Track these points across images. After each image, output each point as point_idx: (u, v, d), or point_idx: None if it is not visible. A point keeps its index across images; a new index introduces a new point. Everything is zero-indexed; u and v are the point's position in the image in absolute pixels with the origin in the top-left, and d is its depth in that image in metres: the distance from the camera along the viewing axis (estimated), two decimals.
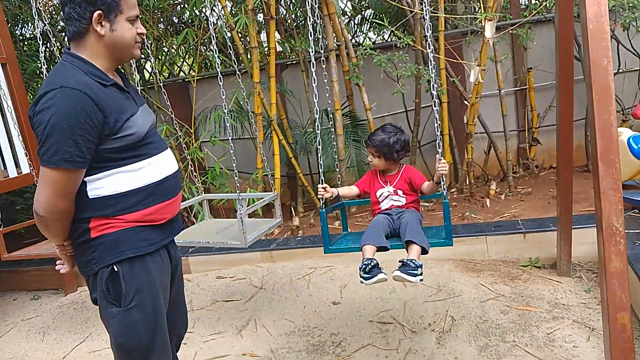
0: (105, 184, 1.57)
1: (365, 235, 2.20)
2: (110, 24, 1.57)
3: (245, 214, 2.50)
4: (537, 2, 5.18)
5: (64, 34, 5.84)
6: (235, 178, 2.60)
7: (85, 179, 1.56)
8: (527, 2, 5.29)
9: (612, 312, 1.68)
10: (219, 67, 2.53)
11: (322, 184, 2.30)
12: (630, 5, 3.93)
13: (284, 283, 3.54)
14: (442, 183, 2.12)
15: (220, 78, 2.54)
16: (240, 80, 2.87)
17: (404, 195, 2.33)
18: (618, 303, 1.67)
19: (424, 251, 2.09)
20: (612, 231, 1.67)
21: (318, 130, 2.41)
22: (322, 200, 2.29)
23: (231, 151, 2.62)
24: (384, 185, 2.36)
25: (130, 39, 1.62)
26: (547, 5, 4.51)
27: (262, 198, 2.93)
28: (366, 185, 2.43)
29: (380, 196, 2.36)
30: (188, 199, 3.13)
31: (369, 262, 2.05)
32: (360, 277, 2.07)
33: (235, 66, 2.88)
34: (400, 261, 2.06)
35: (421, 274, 2.01)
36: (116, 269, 1.60)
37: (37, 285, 4.25)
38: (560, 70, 2.54)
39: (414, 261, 2.02)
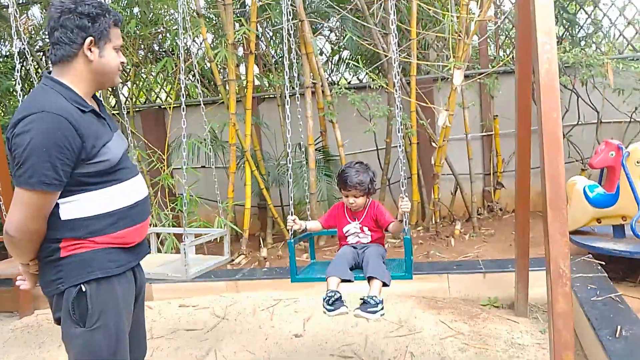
0: (78, 207, 1.61)
1: (331, 267, 2.26)
2: (100, 51, 1.64)
3: (190, 246, 2.50)
4: (504, 54, 5.49)
5: (41, 53, 5.85)
6: (184, 208, 2.59)
7: (58, 201, 1.59)
8: (495, 54, 5.60)
9: (558, 351, 1.76)
10: (183, 96, 2.57)
11: (292, 215, 2.37)
12: (587, 63, 4.21)
13: (248, 314, 3.52)
14: (404, 220, 2.21)
15: (183, 107, 2.59)
16: (204, 112, 2.92)
17: (370, 233, 2.39)
18: (563, 342, 1.75)
19: (385, 285, 2.17)
20: (559, 273, 1.76)
21: (289, 164, 2.48)
22: (291, 231, 2.36)
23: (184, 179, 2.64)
24: (350, 221, 2.41)
25: (115, 67, 1.70)
26: (513, 57, 4.79)
27: (210, 233, 2.92)
28: (331, 221, 2.49)
29: (346, 232, 2.42)
30: (156, 226, 3.13)
31: (333, 294, 2.14)
32: (324, 307, 2.16)
33: (201, 98, 2.94)
34: (361, 299, 2.14)
35: (381, 309, 2.11)
36: (84, 289, 1.61)
37: None
38: (518, 120, 2.71)
39: (374, 298, 2.11)
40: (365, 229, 2.39)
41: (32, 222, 1.55)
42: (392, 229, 2.36)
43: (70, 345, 1.65)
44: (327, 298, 2.14)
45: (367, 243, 2.39)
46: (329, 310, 2.13)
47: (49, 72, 1.68)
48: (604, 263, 3.31)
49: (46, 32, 1.90)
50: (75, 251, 1.61)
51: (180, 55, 2.69)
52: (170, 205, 4.79)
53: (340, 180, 2.39)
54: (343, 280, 2.21)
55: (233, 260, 4.67)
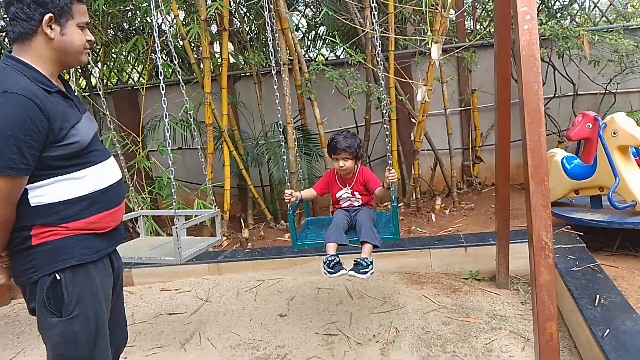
0: (48, 192, 1.54)
1: (328, 233, 2.52)
2: (61, 28, 1.55)
3: (181, 228, 2.44)
4: (481, 27, 5.47)
5: (3, 34, 5.59)
6: (172, 191, 2.54)
7: (27, 187, 1.52)
8: (472, 27, 5.56)
9: (541, 322, 1.77)
10: (162, 76, 2.49)
11: (288, 189, 2.61)
12: (564, 35, 4.22)
13: (231, 295, 3.49)
14: (392, 189, 2.49)
15: (162, 86, 2.50)
16: (184, 91, 2.84)
17: (360, 196, 2.67)
18: (547, 313, 1.77)
19: (376, 247, 2.47)
20: (542, 245, 1.77)
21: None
22: (290, 204, 2.61)
23: (170, 162, 2.57)
24: (342, 187, 2.67)
25: (80, 45, 1.61)
26: (490, 30, 4.77)
27: (201, 214, 2.87)
28: (324, 187, 2.74)
29: (339, 197, 2.68)
30: (133, 210, 3.04)
31: (333, 258, 2.43)
32: (325, 271, 2.43)
33: (180, 76, 2.86)
34: (354, 261, 2.44)
35: (371, 269, 2.41)
36: (58, 277, 1.55)
37: None
38: (498, 93, 2.69)
39: (365, 260, 2.41)
40: (356, 193, 2.66)
41: (0, 209, 1.47)
42: (378, 193, 2.61)
43: (47, 335, 1.61)
44: (328, 262, 2.41)
45: (359, 206, 2.67)
46: (330, 273, 2.40)
47: (9, 51, 1.58)
48: (582, 234, 3.37)
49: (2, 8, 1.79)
50: (47, 238, 1.55)
51: (154, 32, 2.57)
52: (147, 189, 4.69)
53: (330, 147, 2.64)
54: (340, 245, 2.48)
55: None
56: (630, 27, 4.67)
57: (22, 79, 1.50)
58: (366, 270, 2.39)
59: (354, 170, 2.65)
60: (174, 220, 2.45)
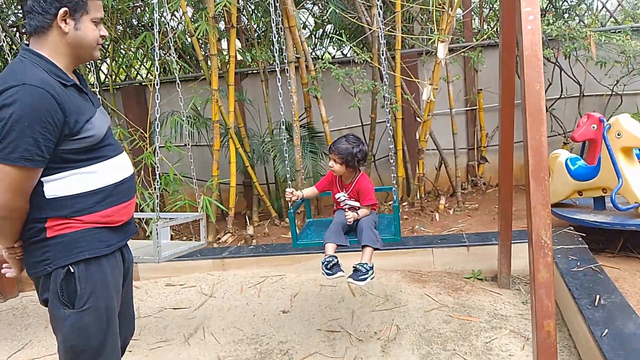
0: (63, 185, 1.57)
1: (328, 234, 2.48)
2: (75, 23, 1.57)
3: (162, 227, 2.47)
4: (488, 27, 5.46)
5: (14, 29, 5.66)
6: (157, 192, 2.55)
7: (42, 179, 1.54)
8: (479, 27, 5.56)
9: (539, 319, 1.79)
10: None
11: (289, 187, 2.58)
12: (570, 36, 4.21)
13: (235, 291, 3.53)
14: (394, 189, 2.49)
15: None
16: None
17: (358, 202, 2.59)
18: (545, 311, 1.78)
19: (377, 249, 2.43)
20: (541, 244, 1.79)
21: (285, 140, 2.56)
22: (291, 202, 2.57)
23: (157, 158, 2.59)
24: (340, 190, 2.63)
25: (93, 40, 1.63)
26: (497, 30, 4.76)
27: (185, 217, 2.90)
28: (326, 186, 2.70)
29: (338, 199, 2.64)
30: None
31: (331, 259, 2.38)
32: (323, 272, 2.40)
33: (176, 75, 2.86)
34: (353, 267, 2.38)
35: (371, 275, 2.37)
36: (72, 270, 1.58)
37: None
38: (502, 93, 2.70)
39: (365, 265, 2.36)
40: (353, 199, 2.59)
41: (13, 199, 1.50)
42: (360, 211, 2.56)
43: (59, 327, 1.63)
44: (326, 262, 2.37)
45: (359, 208, 2.59)
46: (328, 275, 2.36)
47: (27, 44, 1.61)
48: (584, 235, 3.37)
49: (18, 6, 1.82)
50: (62, 231, 1.58)
51: (158, 28, 2.60)
52: (154, 185, 4.73)
53: (330, 145, 2.62)
54: (339, 245, 2.44)
55: (219, 239, 4.66)
56: (638, 29, 4.65)
57: (39, 72, 1.52)
58: (365, 276, 2.34)
59: (354, 176, 2.56)
60: (156, 221, 2.49)
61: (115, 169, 1.69)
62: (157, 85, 2.49)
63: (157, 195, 2.56)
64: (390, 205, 4.62)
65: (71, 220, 1.58)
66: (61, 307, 1.59)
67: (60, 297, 1.59)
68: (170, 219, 2.74)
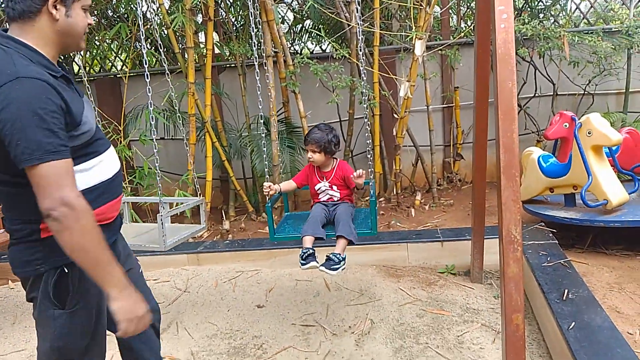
0: None
1: (305, 227, 2.54)
2: (66, 9, 1.47)
3: (166, 216, 2.46)
4: (465, 25, 5.52)
5: None
6: (158, 179, 2.55)
7: None
8: (456, 25, 5.61)
9: (508, 313, 1.83)
10: (146, 64, 2.48)
11: (267, 182, 2.61)
12: (545, 36, 4.28)
13: (209, 286, 3.51)
14: (372, 184, 2.56)
15: (147, 75, 2.49)
16: (169, 79, 2.83)
17: (339, 190, 2.67)
18: (514, 305, 1.82)
19: (352, 242, 2.48)
20: (511, 239, 1.82)
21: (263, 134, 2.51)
22: (268, 196, 2.60)
23: (155, 150, 2.58)
24: (320, 180, 2.67)
25: (82, 29, 1.54)
26: (474, 28, 4.82)
27: (186, 202, 2.88)
28: (303, 179, 2.74)
29: (318, 190, 2.68)
30: None
31: (307, 251, 2.45)
32: (300, 261, 2.45)
33: (165, 65, 2.84)
34: (326, 256, 2.44)
35: (343, 265, 2.43)
36: (66, 271, 1.52)
37: None
38: (477, 91, 2.74)
39: (337, 255, 2.43)
40: (335, 187, 2.66)
41: (67, 190, 1.35)
42: (357, 186, 2.62)
43: (46, 327, 1.57)
44: (302, 254, 2.43)
45: (338, 200, 2.67)
46: (302, 264, 2.42)
47: (5, 30, 1.48)
48: (555, 231, 3.45)
49: None
50: None
51: (139, 20, 2.54)
52: (128, 178, 4.66)
53: (304, 138, 2.69)
54: (316, 238, 2.50)
55: None
56: (609, 30, 4.76)
57: (28, 63, 1.40)
58: (337, 266, 2.40)
59: (333, 165, 2.66)
60: (159, 207, 2.47)
61: (107, 164, 1.61)
62: (147, 77, 2.44)
63: (160, 188, 2.56)
64: (367, 200, 4.65)
65: None
66: (51, 307, 1.53)
67: (52, 297, 1.53)
68: (172, 204, 2.75)
